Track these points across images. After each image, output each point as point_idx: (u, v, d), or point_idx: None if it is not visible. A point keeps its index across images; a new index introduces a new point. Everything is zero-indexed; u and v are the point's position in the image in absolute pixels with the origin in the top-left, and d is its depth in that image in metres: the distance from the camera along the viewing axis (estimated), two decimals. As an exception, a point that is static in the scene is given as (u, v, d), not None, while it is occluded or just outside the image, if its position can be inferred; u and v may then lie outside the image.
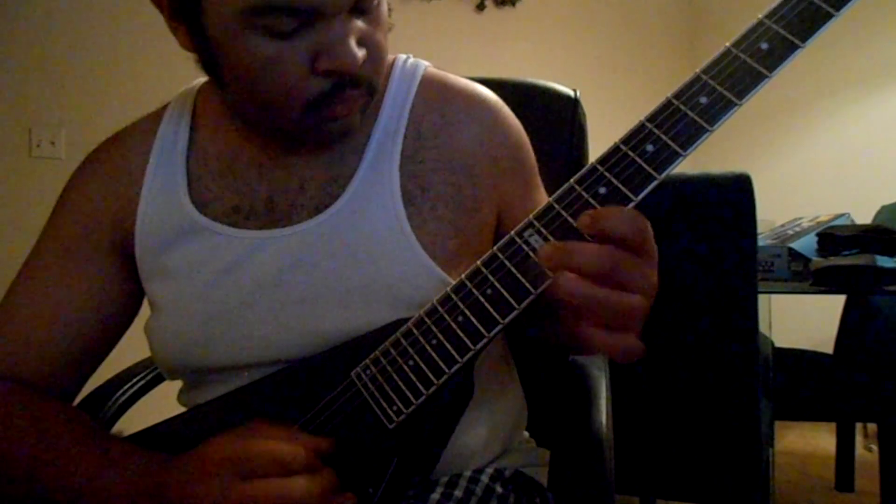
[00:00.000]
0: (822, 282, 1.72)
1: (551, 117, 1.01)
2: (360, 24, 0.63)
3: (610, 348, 0.50)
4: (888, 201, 2.32)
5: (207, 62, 0.67)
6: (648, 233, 0.50)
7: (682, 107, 0.53)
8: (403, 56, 0.79)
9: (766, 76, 0.52)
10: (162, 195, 0.74)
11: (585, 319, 0.50)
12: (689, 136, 0.52)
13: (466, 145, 0.74)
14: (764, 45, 0.52)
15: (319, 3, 0.59)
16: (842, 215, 2.11)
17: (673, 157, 0.52)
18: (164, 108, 0.80)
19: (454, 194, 0.72)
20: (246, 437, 0.58)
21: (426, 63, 0.80)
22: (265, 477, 0.55)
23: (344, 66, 0.62)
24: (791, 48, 0.52)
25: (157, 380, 0.98)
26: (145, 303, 0.78)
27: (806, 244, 1.95)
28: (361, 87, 0.65)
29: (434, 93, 0.76)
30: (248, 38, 0.60)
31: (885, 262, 1.65)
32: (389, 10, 0.69)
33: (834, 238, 1.83)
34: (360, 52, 0.62)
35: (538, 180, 0.81)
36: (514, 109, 0.80)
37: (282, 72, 0.62)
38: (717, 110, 0.52)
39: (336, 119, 0.66)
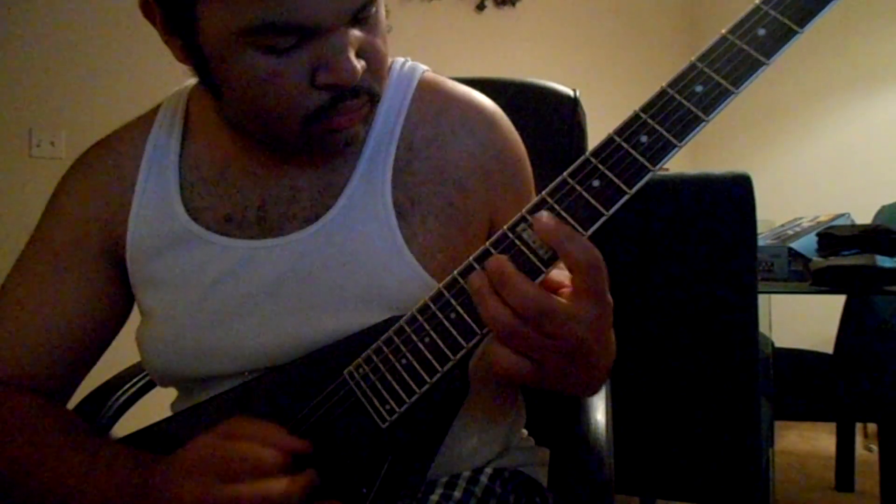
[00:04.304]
0: (822, 282, 1.72)
1: (551, 117, 1.01)
2: (358, 34, 0.61)
3: (504, 369, 0.53)
4: (888, 201, 2.31)
5: (203, 76, 0.65)
6: (600, 272, 0.52)
7: (677, 96, 0.52)
8: (401, 60, 0.78)
9: (764, 63, 0.51)
10: (155, 201, 0.73)
11: (497, 338, 0.53)
12: (685, 126, 0.51)
13: (459, 158, 0.73)
14: (761, 32, 0.51)
15: (318, 20, 0.57)
16: (842, 215, 2.10)
17: (668, 147, 0.51)
18: (155, 110, 0.79)
19: (445, 207, 0.71)
20: (225, 439, 0.58)
21: (424, 67, 0.78)
22: (244, 478, 0.55)
23: (343, 81, 0.61)
24: (789, 34, 0.51)
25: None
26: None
27: (806, 244, 1.94)
28: (361, 96, 0.64)
29: (429, 101, 0.75)
30: (245, 55, 0.59)
31: (885, 262, 1.64)
32: (387, 11, 0.67)
33: (834, 238, 1.82)
34: (360, 64, 0.61)
35: (532, 192, 0.79)
36: (513, 109, 0.79)
37: (280, 87, 0.61)
38: (712, 99, 0.51)
39: (338, 130, 0.65)
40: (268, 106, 0.62)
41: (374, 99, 0.66)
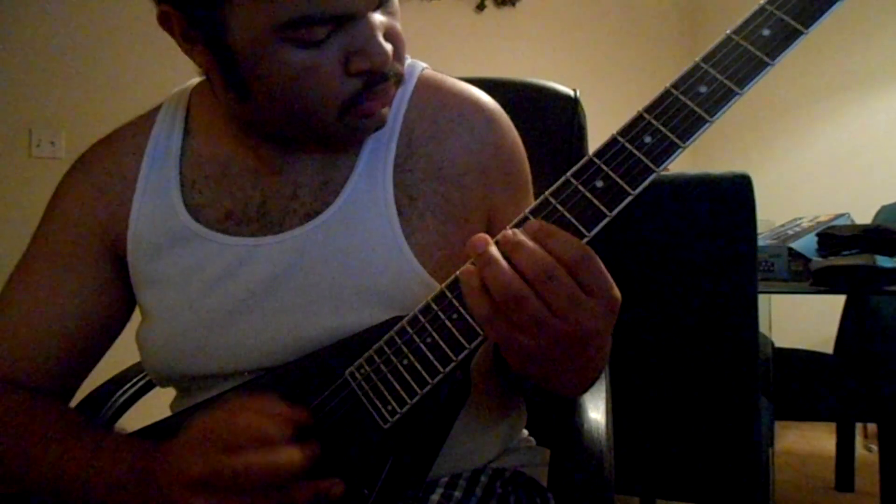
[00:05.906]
0: (822, 282, 1.72)
1: (551, 117, 1.01)
2: (382, 18, 0.63)
3: (503, 339, 0.52)
4: (888, 201, 2.31)
5: (231, 79, 0.65)
6: (591, 268, 0.50)
7: (682, 97, 0.52)
8: None
9: (768, 63, 0.51)
10: (155, 200, 0.73)
11: (498, 309, 0.52)
12: (689, 126, 0.51)
13: (456, 154, 0.73)
14: (766, 32, 0.51)
15: (351, 8, 0.59)
16: (842, 215, 2.10)
17: (672, 148, 0.51)
18: (157, 109, 0.79)
19: (443, 204, 0.71)
20: (227, 413, 0.58)
21: (423, 65, 0.78)
22: (248, 449, 0.55)
23: (377, 65, 0.62)
24: (794, 34, 0.51)
25: (155, 381, 0.98)
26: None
27: (806, 244, 1.94)
28: (390, 79, 0.65)
29: (428, 98, 0.75)
30: (280, 50, 0.60)
31: (885, 262, 1.64)
32: None
33: (834, 238, 1.82)
34: (389, 47, 0.63)
35: (530, 190, 0.79)
36: (513, 110, 0.79)
37: (317, 79, 0.61)
38: (717, 100, 0.51)
39: (370, 115, 0.66)
40: (304, 99, 0.63)
41: (399, 81, 0.68)
